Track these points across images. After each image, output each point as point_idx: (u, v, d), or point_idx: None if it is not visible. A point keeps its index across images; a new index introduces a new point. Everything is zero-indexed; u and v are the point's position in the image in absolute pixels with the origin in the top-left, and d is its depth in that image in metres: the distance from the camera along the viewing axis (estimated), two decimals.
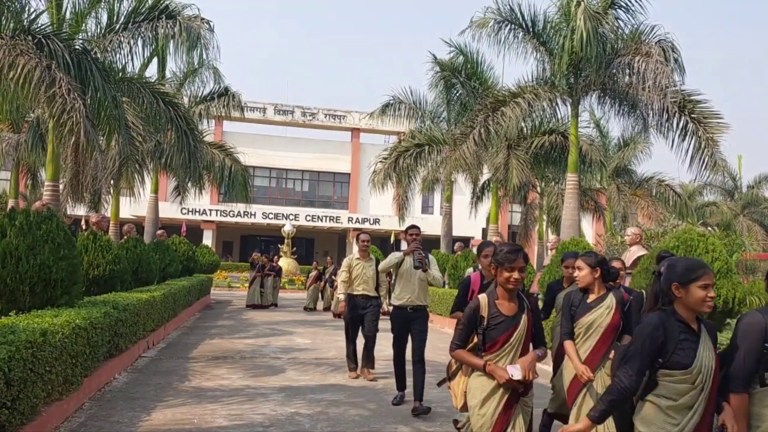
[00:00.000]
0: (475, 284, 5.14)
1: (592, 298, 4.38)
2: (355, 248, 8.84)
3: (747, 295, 10.84)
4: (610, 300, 4.33)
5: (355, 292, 8.07)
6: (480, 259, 5.29)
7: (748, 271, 22.27)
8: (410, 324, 6.69)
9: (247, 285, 26.46)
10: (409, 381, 6.72)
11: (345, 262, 8.27)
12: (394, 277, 6.91)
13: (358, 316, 8.10)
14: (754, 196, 37.35)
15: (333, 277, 17.16)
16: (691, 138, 13.69)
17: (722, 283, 7.42)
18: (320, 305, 18.92)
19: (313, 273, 19.39)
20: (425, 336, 6.69)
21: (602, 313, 4.29)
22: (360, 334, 8.32)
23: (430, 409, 6.28)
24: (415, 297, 6.70)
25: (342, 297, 8.20)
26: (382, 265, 7.07)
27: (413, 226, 7.09)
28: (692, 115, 13.72)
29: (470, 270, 7.68)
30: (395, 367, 6.92)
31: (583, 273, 4.45)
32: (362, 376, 8.13)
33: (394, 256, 6.92)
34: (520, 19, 15.42)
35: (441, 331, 14.52)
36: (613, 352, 4.22)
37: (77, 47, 10.45)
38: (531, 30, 15.42)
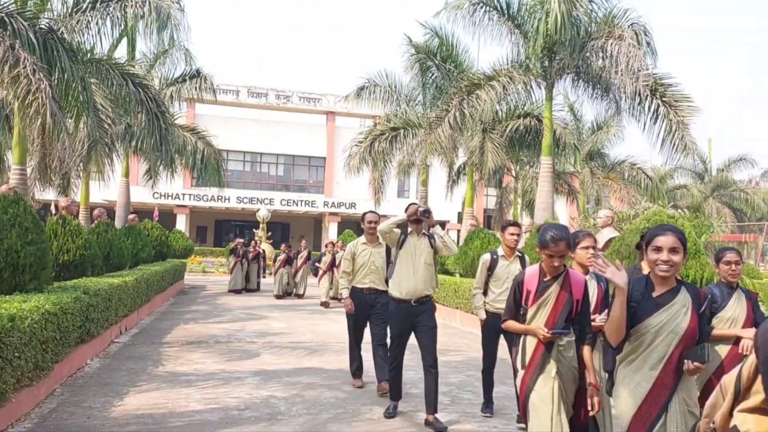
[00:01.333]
0: (531, 284, 3.69)
1: (659, 291, 3.03)
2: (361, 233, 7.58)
3: (715, 275, 11.08)
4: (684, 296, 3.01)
5: (360, 285, 6.54)
6: (576, 251, 4.35)
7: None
8: (414, 320, 5.49)
9: (222, 270, 26.42)
10: (412, 389, 6.55)
11: (348, 248, 6.67)
12: (393, 259, 5.72)
13: (364, 315, 6.59)
14: (724, 179, 38.09)
15: (317, 264, 16.21)
16: (663, 121, 13.87)
17: (691, 264, 7.55)
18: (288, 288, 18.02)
19: (282, 257, 17.82)
20: (436, 332, 5.51)
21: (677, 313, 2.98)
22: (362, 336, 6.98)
23: (446, 428, 5.29)
24: (421, 286, 5.47)
25: (345, 293, 6.62)
26: (383, 225, 5.66)
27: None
28: (663, 99, 13.88)
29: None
30: (390, 372, 5.76)
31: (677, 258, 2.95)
32: (379, 392, 6.33)
33: (396, 217, 5.69)
34: (495, 1, 15.40)
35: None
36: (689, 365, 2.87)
37: (42, 27, 10.16)
38: (506, 12, 15.41)
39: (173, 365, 7.51)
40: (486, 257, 5.93)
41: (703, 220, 14.26)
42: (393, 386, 5.73)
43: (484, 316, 5.87)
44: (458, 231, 36.96)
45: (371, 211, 6.81)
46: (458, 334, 11.34)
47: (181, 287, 18.98)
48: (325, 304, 15.13)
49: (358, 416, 5.52)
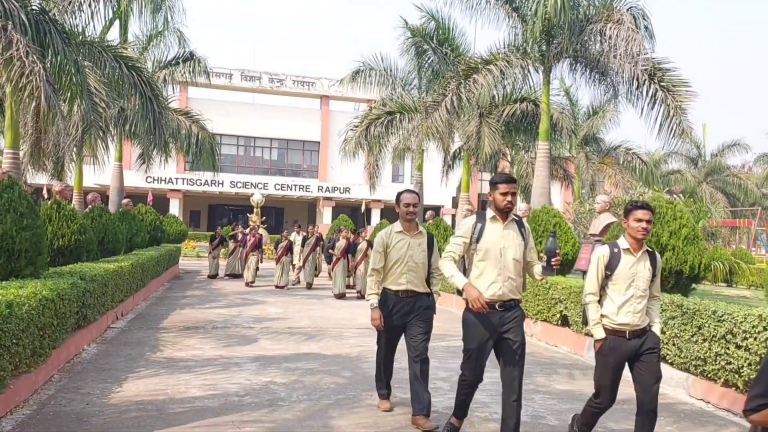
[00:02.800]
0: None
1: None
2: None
3: (711, 261, 11.16)
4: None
5: (394, 287, 5.05)
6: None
7: (710, 237, 22.91)
8: (499, 332, 4.37)
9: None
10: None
11: (379, 238, 5.14)
12: (467, 254, 4.47)
13: (400, 324, 5.08)
14: (717, 164, 38.21)
15: (330, 251, 14.87)
16: (660, 106, 13.82)
17: (689, 249, 7.56)
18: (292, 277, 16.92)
19: (284, 243, 16.28)
20: (524, 352, 4.41)
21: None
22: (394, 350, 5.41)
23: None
24: (508, 287, 4.35)
25: (374, 299, 5.04)
26: (445, 269, 4.39)
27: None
28: (661, 83, 13.83)
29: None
30: (462, 390, 4.77)
31: None
32: (415, 426, 4.89)
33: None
34: None
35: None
36: None
37: (34, 8, 9.97)
38: None
39: (171, 351, 7.47)
40: (603, 251, 4.23)
41: (701, 206, 14.28)
42: (460, 405, 4.71)
43: (601, 334, 4.16)
44: (453, 216, 36.99)
45: (408, 191, 5.20)
46: (455, 318, 11.30)
47: (176, 272, 18.92)
48: (340, 296, 13.91)
49: (358, 402, 5.51)
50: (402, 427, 4.86)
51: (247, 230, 18.61)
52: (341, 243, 14.49)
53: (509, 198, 4.32)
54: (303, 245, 16.52)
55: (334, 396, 5.69)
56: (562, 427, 5.02)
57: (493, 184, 4.36)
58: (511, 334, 4.32)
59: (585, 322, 4.35)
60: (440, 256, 4.63)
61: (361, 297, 13.66)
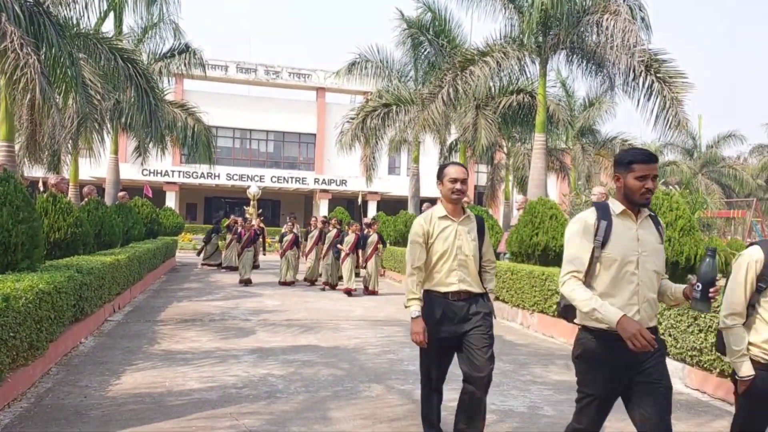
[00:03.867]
0: None
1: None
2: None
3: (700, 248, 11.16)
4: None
5: (442, 289, 3.94)
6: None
7: (706, 228, 22.98)
8: (634, 371, 3.06)
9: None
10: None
11: (417, 226, 4.01)
12: (591, 259, 3.07)
13: (452, 339, 3.97)
14: (713, 155, 38.29)
15: (339, 246, 13.84)
16: (657, 97, 13.83)
17: (685, 240, 7.59)
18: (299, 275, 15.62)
19: (289, 237, 15.24)
20: (670, 397, 3.18)
21: None
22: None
23: None
24: (650, 309, 3.11)
25: (415, 307, 3.89)
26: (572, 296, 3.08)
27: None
28: (658, 75, 13.83)
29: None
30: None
31: None
32: None
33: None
34: None
35: None
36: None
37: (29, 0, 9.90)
38: None
39: (168, 343, 7.48)
40: (754, 255, 3.03)
41: (697, 197, 14.33)
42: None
43: (749, 371, 3.00)
44: None
45: (455, 163, 4.08)
46: None
47: (173, 265, 18.91)
48: (348, 291, 13.25)
49: (356, 394, 5.53)
50: (400, 418, 4.88)
51: (246, 224, 18.37)
52: (350, 238, 13.69)
53: (649, 184, 3.01)
54: (306, 239, 15.87)
55: (332, 388, 5.70)
56: (558, 417, 5.05)
57: (626, 164, 3.02)
58: (651, 374, 3.03)
59: (721, 351, 3.18)
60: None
61: (372, 292, 13.48)
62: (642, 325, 2.88)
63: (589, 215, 3.12)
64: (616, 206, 3.10)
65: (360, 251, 13.72)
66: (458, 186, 3.94)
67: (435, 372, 4.20)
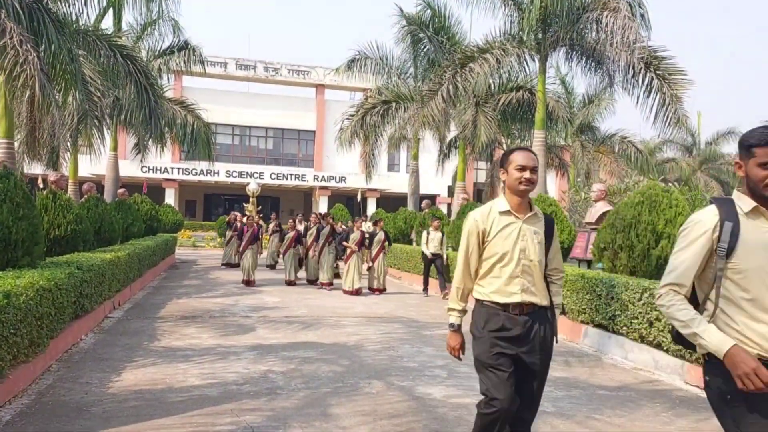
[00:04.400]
0: None
1: None
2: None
3: None
4: None
5: (501, 298, 3.27)
6: None
7: None
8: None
9: (213, 245, 26.36)
10: None
11: (471, 223, 3.37)
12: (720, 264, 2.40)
13: (512, 354, 3.23)
14: (712, 152, 38.26)
15: (344, 243, 13.23)
16: (656, 94, 13.82)
17: None
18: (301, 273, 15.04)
19: (291, 234, 14.80)
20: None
21: None
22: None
23: None
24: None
25: (455, 319, 3.42)
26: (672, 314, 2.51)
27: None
28: (657, 72, 13.82)
29: None
30: None
31: None
32: None
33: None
34: None
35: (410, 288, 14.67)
36: None
37: None
38: None
39: (169, 340, 7.49)
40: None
41: (697, 194, 14.34)
42: None
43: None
44: (448, 205, 37.03)
45: (523, 149, 3.36)
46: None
47: (173, 262, 18.91)
48: (355, 292, 12.68)
49: (357, 390, 5.54)
50: (400, 414, 4.89)
51: (244, 219, 18.15)
52: (356, 235, 13.12)
53: None
54: (305, 235, 14.81)
55: (332, 384, 5.72)
56: (558, 413, 5.06)
57: (746, 149, 2.43)
58: None
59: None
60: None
61: (379, 291, 13.18)
62: (758, 363, 2.23)
63: (708, 216, 2.44)
64: (743, 202, 2.41)
65: (364, 249, 13.47)
66: (527, 175, 3.25)
67: (499, 391, 3.17)
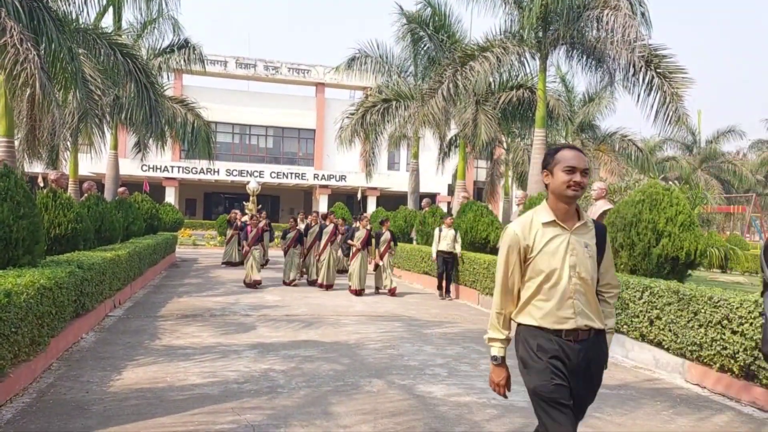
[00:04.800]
0: None
1: None
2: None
3: (708, 247, 11.20)
4: None
5: (552, 324, 2.82)
6: None
7: (705, 224, 23.04)
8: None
9: (213, 243, 26.36)
10: None
11: (511, 236, 2.91)
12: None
13: (565, 385, 2.81)
14: (712, 150, 38.27)
15: (349, 242, 13.11)
16: (657, 93, 13.80)
17: (685, 236, 7.60)
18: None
19: (292, 234, 14.16)
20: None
21: None
22: None
23: None
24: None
25: (498, 351, 2.96)
26: None
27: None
28: (658, 70, 13.80)
29: None
30: None
31: None
32: None
33: None
34: None
35: (410, 286, 14.67)
36: None
37: None
38: None
39: (169, 339, 7.49)
40: None
41: (697, 192, 14.34)
42: None
43: None
44: (448, 203, 37.02)
45: (571, 147, 2.93)
46: (452, 305, 11.41)
47: (173, 260, 18.90)
48: (358, 292, 12.49)
49: (358, 389, 5.54)
50: (401, 413, 4.89)
51: (245, 218, 18.01)
52: (361, 233, 12.87)
53: None
54: (306, 235, 14.33)
55: (333, 383, 5.72)
56: None
57: None
58: None
59: None
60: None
61: (391, 292, 12.65)
62: None
63: None
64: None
65: (369, 248, 13.06)
66: (577, 178, 2.79)
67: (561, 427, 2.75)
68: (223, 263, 18.32)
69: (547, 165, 2.90)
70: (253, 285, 12.97)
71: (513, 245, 2.87)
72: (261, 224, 14.36)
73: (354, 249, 12.81)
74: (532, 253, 2.84)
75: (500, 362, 2.94)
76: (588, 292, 2.84)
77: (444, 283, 12.45)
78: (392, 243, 13.21)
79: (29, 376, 5.33)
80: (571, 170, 2.79)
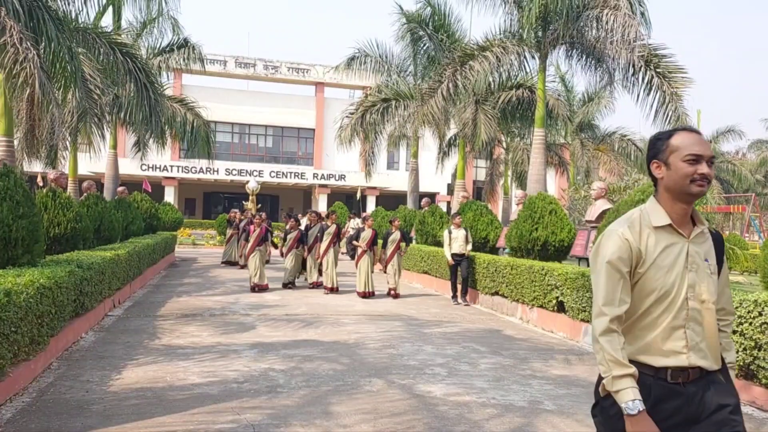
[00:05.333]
0: None
1: None
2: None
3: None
4: None
5: (652, 359, 2.15)
6: None
7: None
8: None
9: (212, 243, 26.35)
10: None
11: (613, 241, 2.19)
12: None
13: None
14: (712, 150, 38.26)
15: (355, 242, 12.46)
16: (656, 92, 13.81)
17: None
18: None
19: (294, 234, 13.63)
20: None
21: None
22: None
23: None
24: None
25: (634, 399, 2.04)
26: None
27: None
28: (657, 70, 13.81)
29: None
30: None
31: None
32: None
33: None
34: None
35: (410, 286, 14.66)
36: None
37: None
38: None
39: (169, 338, 7.49)
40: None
41: None
42: None
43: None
44: (448, 203, 37.02)
45: (690, 129, 2.28)
46: (451, 305, 11.40)
47: (172, 260, 18.91)
48: (365, 294, 11.96)
49: (357, 388, 5.54)
50: (401, 413, 4.89)
51: (243, 216, 18.01)
52: (367, 233, 12.33)
53: None
54: (307, 235, 13.38)
55: (333, 382, 5.72)
56: (559, 411, 5.07)
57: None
58: None
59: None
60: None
61: (396, 296, 12.15)
62: None
63: None
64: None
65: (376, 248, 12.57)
66: (704, 169, 2.18)
67: None
68: (222, 263, 18.34)
69: (657, 154, 2.26)
70: (261, 289, 12.32)
71: (624, 251, 2.17)
72: (243, 223, 13.99)
73: (360, 250, 12.25)
74: (644, 265, 2.17)
75: (641, 412, 2.05)
76: (705, 320, 2.19)
77: (458, 287, 11.59)
78: (402, 243, 12.63)
79: (29, 375, 5.33)
80: (696, 159, 2.17)
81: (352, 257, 12.65)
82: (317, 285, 13.14)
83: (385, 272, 12.69)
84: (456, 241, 11.51)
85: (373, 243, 12.42)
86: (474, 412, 5.01)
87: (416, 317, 9.82)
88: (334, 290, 12.46)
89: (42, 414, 4.61)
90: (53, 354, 6.12)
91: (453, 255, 11.53)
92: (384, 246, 12.65)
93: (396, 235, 12.59)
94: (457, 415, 4.90)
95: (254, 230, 13.11)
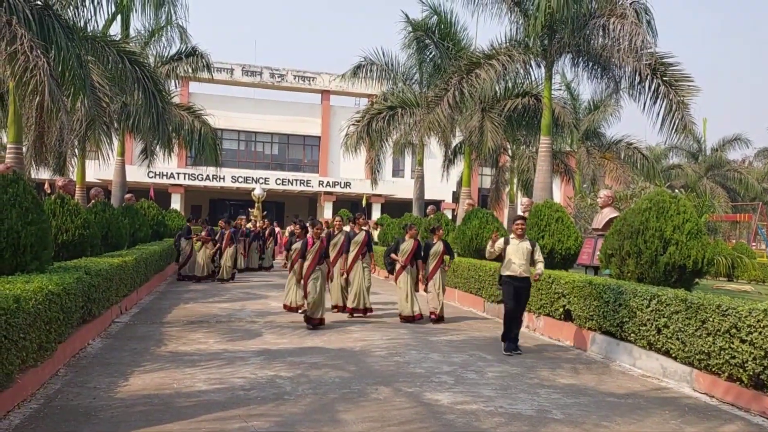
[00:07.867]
0: None
1: None
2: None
3: (715, 255, 11.14)
4: None
5: None
6: None
7: (711, 232, 22.96)
8: None
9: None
10: None
11: None
12: None
13: None
14: (718, 158, 38.17)
15: (393, 256, 10.41)
16: (663, 101, 13.78)
17: (692, 244, 7.55)
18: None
19: (298, 244, 9.84)
20: None
21: None
22: None
23: None
24: None
25: None
26: None
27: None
28: (664, 78, 13.79)
29: None
30: None
31: None
32: None
33: None
34: None
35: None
36: None
37: (38, 2, 9.96)
38: None
39: (176, 345, 7.49)
40: None
41: (704, 200, 14.29)
42: None
43: None
44: (453, 210, 36.98)
45: None
46: (457, 312, 11.36)
47: None
48: (408, 319, 10.03)
49: (364, 396, 5.53)
50: (408, 421, 4.88)
51: (251, 224, 18.01)
52: (408, 244, 10.27)
53: None
54: (329, 245, 10.49)
55: (340, 390, 5.71)
56: (567, 420, 5.04)
57: None
58: None
59: None
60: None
61: (439, 319, 10.07)
62: None
63: None
64: None
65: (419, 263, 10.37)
66: None
67: None
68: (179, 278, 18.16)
69: None
70: (314, 325, 9.12)
71: None
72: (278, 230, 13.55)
73: (398, 266, 10.25)
74: None
75: None
76: None
77: (513, 329, 7.92)
78: (446, 256, 10.48)
79: (37, 382, 5.35)
80: None
81: (391, 272, 10.62)
82: (341, 309, 10.77)
83: (426, 291, 10.49)
84: (516, 255, 7.95)
85: (415, 256, 10.29)
86: (482, 420, 4.99)
87: (422, 325, 9.79)
88: (367, 311, 10.41)
89: (50, 420, 4.62)
90: (61, 360, 6.14)
91: (510, 278, 7.93)
92: (425, 260, 10.36)
93: (438, 246, 10.31)
94: (465, 423, 4.88)
95: (313, 242, 9.54)
